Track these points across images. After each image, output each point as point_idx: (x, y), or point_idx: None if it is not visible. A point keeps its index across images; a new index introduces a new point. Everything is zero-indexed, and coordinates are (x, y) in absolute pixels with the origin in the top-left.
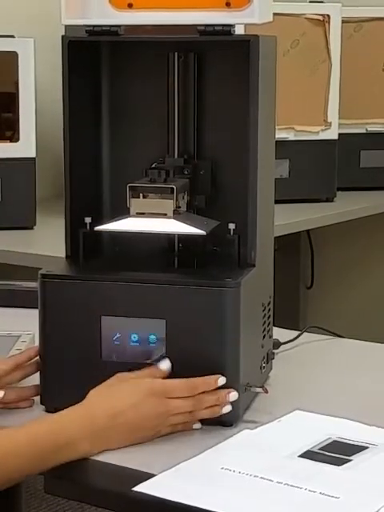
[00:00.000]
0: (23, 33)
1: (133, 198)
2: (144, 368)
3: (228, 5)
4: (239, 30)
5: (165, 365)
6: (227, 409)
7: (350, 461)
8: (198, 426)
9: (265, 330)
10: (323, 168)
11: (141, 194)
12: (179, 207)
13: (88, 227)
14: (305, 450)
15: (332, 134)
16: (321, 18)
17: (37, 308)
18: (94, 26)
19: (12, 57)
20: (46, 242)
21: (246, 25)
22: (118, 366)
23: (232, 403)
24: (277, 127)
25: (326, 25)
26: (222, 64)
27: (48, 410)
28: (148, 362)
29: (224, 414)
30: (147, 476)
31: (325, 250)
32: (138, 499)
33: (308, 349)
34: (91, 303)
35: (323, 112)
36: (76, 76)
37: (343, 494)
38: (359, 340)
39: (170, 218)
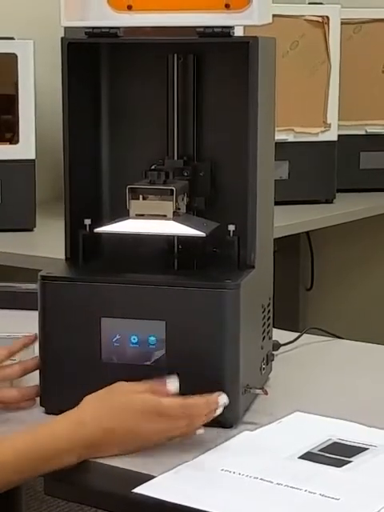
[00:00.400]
0: (23, 35)
1: (132, 199)
2: (151, 380)
3: (227, 6)
4: (238, 32)
5: (173, 386)
6: (219, 411)
7: (350, 462)
8: (201, 431)
9: (264, 331)
10: (323, 169)
11: (140, 196)
12: (179, 209)
13: (88, 229)
14: (305, 451)
15: (331, 135)
16: (320, 19)
17: (37, 310)
18: (93, 27)
19: (11, 59)
20: (45, 243)
21: (245, 26)
22: (118, 368)
23: (232, 404)
24: (276, 129)
25: (326, 26)
26: (221, 65)
27: (48, 412)
28: (147, 363)
29: (224, 416)
30: (147, 477)
31: (324, 251)
32: (137, 501)
33: (308, 350)
34: (91, 305)
35: (323, 113)
36: (75, 78)
37: (343, 495)
38: (359, 341)
39: (169, 219)
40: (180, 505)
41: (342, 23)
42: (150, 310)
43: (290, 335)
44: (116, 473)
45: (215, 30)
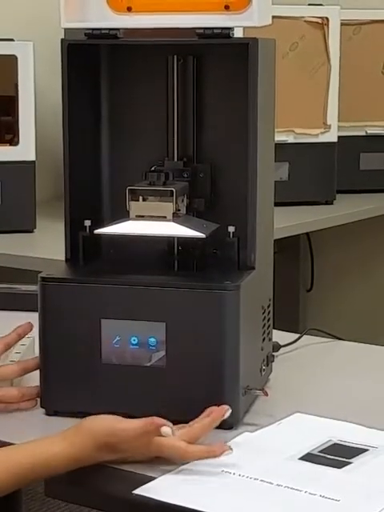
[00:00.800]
0: (23, 36)
1: (132, 200)
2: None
3: (227, 8)
4: (238, 33)
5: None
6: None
7: (350, 463)
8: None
9: (264, 332)
10: (323, 171)
11: (140, 197)
12: (179, 210)
13: (88, 230)
14: (305, 452)
15: (331, 136)
16: (320, 20)
17: (37, 311)
18: (93, 29)
19: (11, 60)
20: (45, 245)
21: (244, 27)
22: (118, 369)
23: (232, 405)
24: (276, 130)
25: (325, 27)
26: (221, 67)
27: (48, 413)
28: (147, 365)
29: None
30: (147, 479)
31: (324, 252)
32: (138, 502)
33: (308, 351)
34: (91, 306)
35: (322, 115)
36: (75, 79)
37: (343, 496)
38: (359, 342)
39: (169, 220)
40: (180, 506)
41: (341, 24)
42: (150, 312)
43: (290, 336)
44: (116, 474)
45: (215, 31)
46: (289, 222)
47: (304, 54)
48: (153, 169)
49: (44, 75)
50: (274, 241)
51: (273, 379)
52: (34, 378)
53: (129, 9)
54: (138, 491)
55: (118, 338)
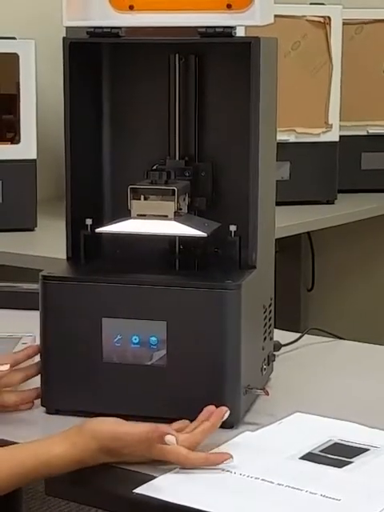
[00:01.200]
0: (24, 34)
1: (134, 199)
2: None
3: (229, 6)
4: (240, 32)
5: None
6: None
7: (351, 463)
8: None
9: (266, 331)
10: (324, 170)
11: (142, 196)
12: (180, 209)
13: (89, 229)
14: (306, 451)
15: (333, 136)
16: (322, 19)
17: (38, 310)
18: (95, 27)
19: (13, 58)
20: (46, 243)
21: (246, 26)
22: (119, 368)
23: (233, 404)
24: (278, 129)
25: (327, 27)
26: (222, 66)
27: (49, 412)
28: (149, 364)
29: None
30: (148, 478)
31: (326, 252)
32: (138, 501)
33: (309, 351)
34: (92, 305)
35: (324, 114)
36: (77, 78)
37: (344, 495)
38: (360, 342)
39: (170, 219)
40: (181, 505)
41: (343, 24)
42: (152, 311)
43: (291, 336)
44: (117, 473)
45: (217, 30)
46: (290, 221)
47: (306, 53)
48: (154, 167)
49: (46, 73)
50: (275, 240)
51: (274, 378)
52: (34, 379)
53: (131, 7)
54: (138, 490)
55: (118, 337)
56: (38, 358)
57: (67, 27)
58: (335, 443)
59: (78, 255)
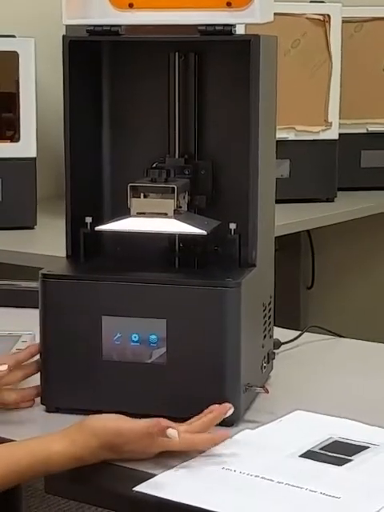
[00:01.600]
0: (24, 33)
1: (133, 197)
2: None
3: (229, 4)
4: (240, 30)
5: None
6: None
7: (350, 461)
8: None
9: (265, 329)
10: (324, 168)
11: (141, 194)
12: (180, 207)
13: (89, 227)
14: (306, 449)
15: (332, 133)
16: (321, 17)
17: (37, 308)
18: (94, 25)
19: (13, 56)
20: (46, 241)
21: (246, 24)
22: (119, 366)
23: (233, 402)
24: (277, 127)
25: (327, 25)
26: (222, 64)
27: (48, 410)
28: (148, 362)
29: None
30: (148, 476)
31: (325, 250)
32: (138, 499)
33: (309, 349)
34: (92, 303)
35: (324, 112)
36: (77, 76)
37: (344, 493)
38: (360, 340)
39: (170, 217)
40: (181, 503)
41: (343, 22)
42: (151, 309)
43: (290, 333)
44: (117, 471)
45: (217, 28)
46: (290, 219)
47: (305, 51)
48: (154, 166)
49: (45, 72)
50: (275, 238)
51: (273, 376)
52: (34, 378)
53: (130, 5)
54: (138, 488)
55: (118, 335)
56: (37, 356)
57: (67, 25)
58: (335, 441)
59: (78, 253)
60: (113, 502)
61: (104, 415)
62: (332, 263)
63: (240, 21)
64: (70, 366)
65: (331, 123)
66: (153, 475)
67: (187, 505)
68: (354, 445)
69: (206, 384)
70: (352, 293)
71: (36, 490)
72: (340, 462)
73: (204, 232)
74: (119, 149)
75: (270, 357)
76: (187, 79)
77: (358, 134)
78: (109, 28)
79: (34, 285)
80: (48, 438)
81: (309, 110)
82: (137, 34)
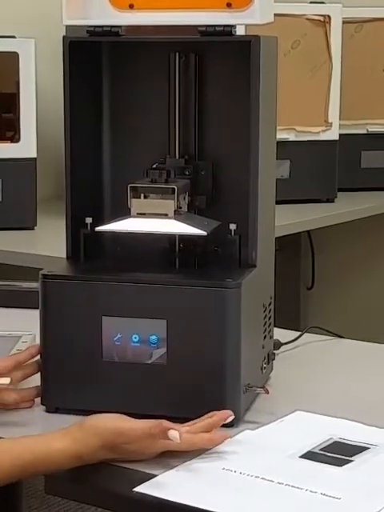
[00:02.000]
0: (24, 33)
1: (134, 198)
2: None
3: (229, 5)
4: (240, 31)
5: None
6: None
7: (351, 461)
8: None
9: (265, 330)
10: (324, 168)
11: (142, 195)
12: (180, 207)
13: (89, 227)
14: (306, 450)
15: (333, 134)
16: (322, 18)
17: (38, 308)
18: (94, 26)
19: (13, 57)
20: (46, 242)
21: (246, 25)
22: (119, 367)
23: (233, 403)
24: (277, 128)
25: (327, 25)
26: (222, 64)
27: (48, 410)
28: (148, 362)
29: None
30: (148, 476)
31: (325, 250)
32: (138, 499)
33: (309, 349)
34: (92, 303)
35: (324, 112)
36: (77, 76)
37: (344, 494)
38: (360, 340)
39: (170, 218)
40: (181, 504)
41: (343, 22)
42: (151, 309)
43: (291, 334)
44: (117, 472)
45: (217, 28)
46: (290, 219)
47: (306, 51)
48: (154, 166)
49: (45, 72)
50: (275, 239)
51: (274, 377)
52: (34, 378)
53: (131, 6)
54: (138, 489)
55: (118, 336)
56: (37, 357)
57: (67, 26)
58: (335, 442)
59: (78, 254)
60: (113, 502)
61: (105, 415)
62: (332, 264)
63: (240, 21)
64: (70, 366)
65: (331, 124)
66: (153, 476)
67: (187, 505)
68: (354, 445)
69: (206, 384)
70: (352, 293)
71: (36, 490)
72: (340, 463)
73: (204, 232)
74: (119, 149)
75: (270, 357)
76: (187, 80)
77: (358, 134)
78: (109, 28)
79: (34, 285)
80: (49, 436)
81: (309, 111)
82: (137, 35)
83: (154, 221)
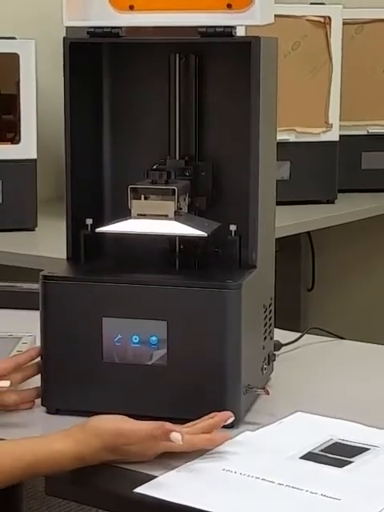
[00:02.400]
0: (24, 34)
1: (134, 199)
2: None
3: (229, 6)
4: (240, 32)
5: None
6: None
7: (351, 462)
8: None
9: (266, 331)
10: (324, 170)
11: (142, 196)
12: (180, 209)
13: (89, 229)
14: (306, 451)
15: (333, 135)
16: (322, 19)
17: (38, 309)
18: (95, 27)
19: (13, 58)
20: (47, 243)
21: (247, 26)
22: (120, 368)
23: (233, 404)
24: (278, 129)
25: (327, 26)
26: (223, 65)
27: (49, 412)
28: (149, 363)
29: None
30: (148, 477)
31: (326, 251)
32: (139, 500)
33: (309, 350)
34: (92, 304)
35: (324, 114)
36: (77, 77)
37: (344, 495)
38: (360, 341)
39: (171, 219)
40: (181, 505)
41: (343, 23)
42: (152, 310)
43: (291, 335)
44: (117, 472)
45: (217, 29)
46: (290, 220)
47: (306, 52)
48: (154, 167)
49: (46, 73)
50: (276, 240)
51: (274, 378)
52: (34, 379)
53: (131, 7)
54: (139, 489)
55: (119, 337)
56: (38, 359)
57: (67, 27)
58: (335, 443)
59: (79, 255)
60: (113, 503)
61: (107, 416)
62: (332, 265)
63: (240, 22)
64: (71, 367)
65: (332, 125)
66: (153, 477)
67: (187, 506)
68: (355, 446)
69: (206, 386)
70: (352, 294)
71: (36, 491)
72: (340, 464)
73: (204, 234)
74: (120, 150)
75: (270, 358)
76: (187, 81)
77: (359, 135)
78: (109, 30)
79: (35, 286)
80: (50, 438)
81: (309, 112)
82: (137, 36)
83: (154, 222)
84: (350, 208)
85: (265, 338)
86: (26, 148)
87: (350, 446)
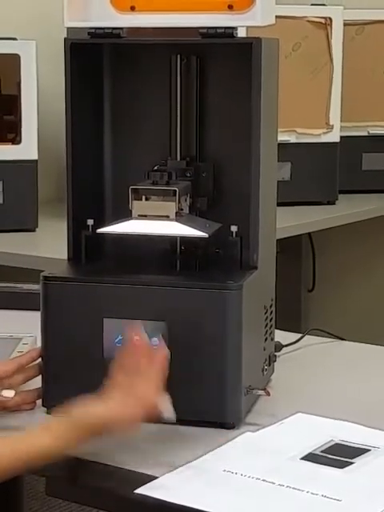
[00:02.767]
0: (25, 35)
1: (135, 200)
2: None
3: (230, 7)
4: (241, 33)
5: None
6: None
7: (351, 463)
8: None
9: (267, 332)
10: (325, 171)
11: (143, 197)
12: (181, 209)
13: (90, 229)
14: (307, 452)
15: (334, 136)
16: (323, 20)
17: (39, 310)
18: (96, 28)
19: (14, 59)
20: (48, 244)
21: (248, 27)
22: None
23: (234, 405)
24: (279, 130)
25: (328, 27)
26: (224, 66)
27: (49, 412)
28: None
29: (226, 416)
30: (149, 478)
31: (326, 252)
32: (139, 501)
33: (310, 351)
34: (93, 305)
35: (325, 115)
36: (78, 78)
37: (345, 496)
38: (361, 342)
39: (172, 220)
40: (182, 505)
41: (344, 24)
42: (152, 311)
43: (292, 336)
44: (117, 473)
45: (218, 30)
46: (291, 221)
47: (307, 54)
48: (155, 168)
49: (47, 74)
50: (276, 241)
51: (275, 379)
52: (35, 381)
53: (132, 8)
54: (139, 490)
55: (119, 337)
56: (39, 360)
57: (68, 28)
58: (336, 444)
59: (79, 256)
60: (114, 504)
61: (86, 405)
62: (333, 266)
63: (241, 23)
64: (72, 368)
65: (332, 126)
66: (154, 477)
67: (188, 507)
68: (355, 447)
69: (207, 386)
70: (353, 296)
71: (37, 492)
72: (341, 465)
73: (205, 234)
74: (121, 151)
75: (271, 359)
76: (189, 82)
77: (359, 136)
78: (110, 30)
79: (36, 287)
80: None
81: (310, 113)
82: (138, 37)
83: (155, 223)
84: (350, 209)
85: (265, 339)
86: (26, 148)
87: (351, 447)
